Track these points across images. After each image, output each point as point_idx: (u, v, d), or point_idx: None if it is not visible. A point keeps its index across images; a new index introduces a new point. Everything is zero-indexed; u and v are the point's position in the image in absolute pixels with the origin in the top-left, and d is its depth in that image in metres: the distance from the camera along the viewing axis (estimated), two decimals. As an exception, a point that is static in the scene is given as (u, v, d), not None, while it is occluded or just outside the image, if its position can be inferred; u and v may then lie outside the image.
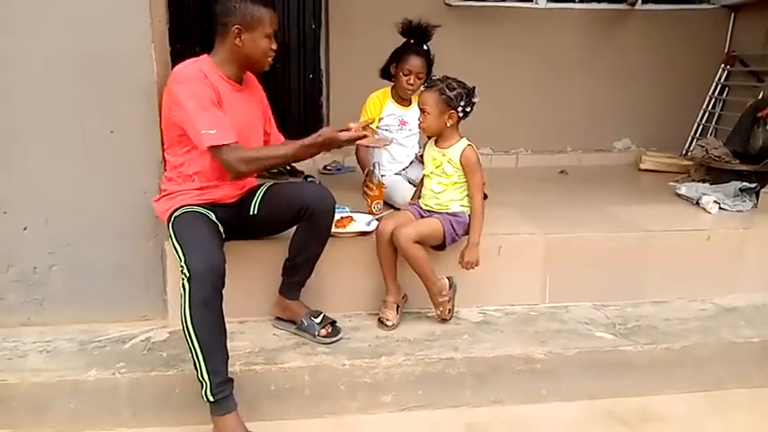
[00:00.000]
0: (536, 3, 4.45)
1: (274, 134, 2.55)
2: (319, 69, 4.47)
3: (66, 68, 2.28)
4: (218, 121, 2.07)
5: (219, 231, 2.16)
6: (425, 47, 3.02)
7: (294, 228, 2.32)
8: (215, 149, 2.08)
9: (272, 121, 2.54)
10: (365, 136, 2.20)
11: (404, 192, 2.97)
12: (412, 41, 3.02)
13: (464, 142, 2.47)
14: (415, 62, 2.99)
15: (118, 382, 2.13)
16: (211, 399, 1.94)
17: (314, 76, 4.48)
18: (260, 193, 2.31)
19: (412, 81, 3.02)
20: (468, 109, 2.42)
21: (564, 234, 2.75)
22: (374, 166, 2.87)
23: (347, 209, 2.71)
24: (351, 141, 2.17)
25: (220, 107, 2.12)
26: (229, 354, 2.01)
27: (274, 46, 2.21)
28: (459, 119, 2.44)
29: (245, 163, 2.11)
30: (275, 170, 3.65)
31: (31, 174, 2.35)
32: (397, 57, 3.05)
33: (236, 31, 2.12)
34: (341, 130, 2.15)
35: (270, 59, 2.23)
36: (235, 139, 2.10)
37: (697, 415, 2.30)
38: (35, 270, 2.42)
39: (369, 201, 2.80)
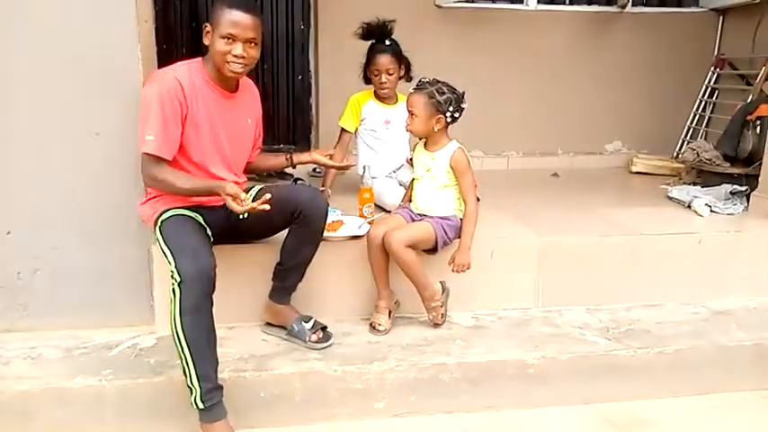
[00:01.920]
0: (526, 5, 4.43)
1: (258, 147, 2.51)
2: (308, 70, 4.44)
3: (50, 69, 2.23)
4: (161, 130, 2.02)
5: (208, 235, 2.13)
6: (388, 42, 3.02)
7: (285, 231, 2.29)
8: (144, 155, 2.05)
9: (261, 132, 2.49)
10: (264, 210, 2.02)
11: (394, 194, 2.94)
12: (375, 42, 3.03)
13: (454, 145, 2.45)
14: (379, 60, 3.00)
15: (104, 389, 2.08)
16: (201, 406, 1.91)
17: (302, 77, 4.44)
18: (250, 197, 2.27)
19: (383, 79, 3.02)
20: (456, 115, 2.40)
21: (556, 237, 2.74)
22: (364, 170, 2.84)
23: (338, 212, 2.68)
24: (232, 208, 2.00)
25: (184, 117, 2.07)
26: (219, 360, 1.97)
27: (236, 51, 2.05)
28: (448, 124, 2.42)
29: (151, 179, 2.08)
30: (264, 173, 3.62)
31: (15, 177, 2.30)
32: (366, 60, 3.06)
33: (206, 29, 2.10)
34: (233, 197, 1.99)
35: (230, 65, 2.08)
36: (168, 156, 2.06)
37: (690, 419, 2.29)
38: (19, 275, 2.37)
39: (359, 204, 2.78)
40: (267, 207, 1.97)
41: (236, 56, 2.07)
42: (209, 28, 2.09)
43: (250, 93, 2.36)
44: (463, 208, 2.49)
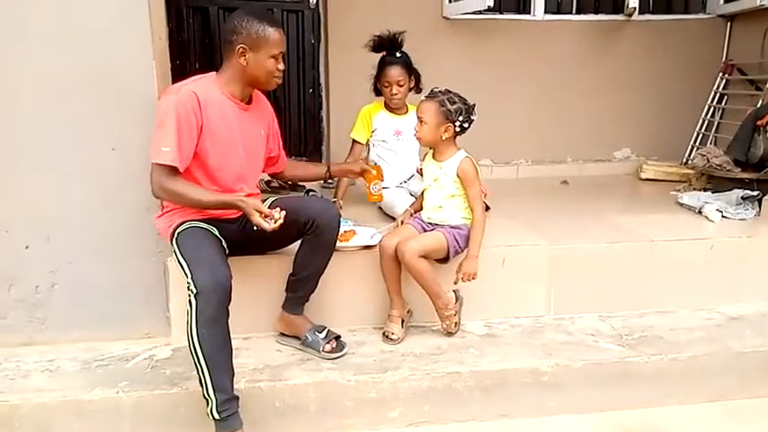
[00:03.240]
0: (533, 15, 4.46)
1: (281, 157, 2.58)
2: (319, 84, 4.48)
3: (66, 86, 2.28)
4: (177, 141, 2.04)
5: (224, 247, 2.15)
6: (399, 54, 3.05)
7: (298, 242, 2.31)
8: (157, 165, 2.06)
9: (279, 142, 2.54)
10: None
11: (405, 205, 2.95)
12: (385, 54, 3.07)
13: (461, 154, 2.46)
14: (390, 72, 3.03)
15: (121, 401, 2.10)
16: (217, 417, 1.92)
17: (313, 91, 4.48)
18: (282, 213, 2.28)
19: (394, 91, 3.05)
20: (465, 125, 2.41)
21: (568, 245, 2.74)
22: (368, 152, 2.78)
23: (350, 222, 2.70)
24: (259, 225, 2.04)
25: (199, 129, 2.10)
26: (234, 370, 1.99)
27: (281, 66, 2.20)
28: (456, 134, 2.44)
29: (163, 190, 2.08)
30: (276, 184, 3.66)
31: (33, 192, 2.34)
32: (377, 72, 3.09)
33: (241, 50, 2.12)
34: (264, 214, 2.05)
35: (276, 80, 2.23)
36: (182, 167, 2.08)
37: (705, 426, 2.28)
38: (37, 289, 2.41)
39: (366, 182, 2.73)
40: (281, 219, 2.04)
41: (281, 71, 2.21)
42: (244, 48, 2.12)
43: (263, 104, 2.40)
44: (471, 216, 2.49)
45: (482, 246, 2.46)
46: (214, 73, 2.21)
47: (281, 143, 2.57)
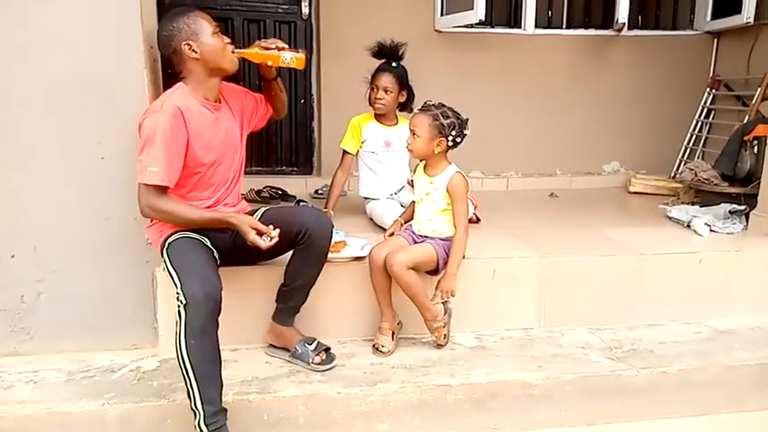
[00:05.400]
0: (524, 29, 4.50)
1: (264, 99, 2.52)
2: (311, 95, 4.48)
3: (56, 94, 2.26)
4: (165, 161, 2.01)
5: (215, 257, 2.13)
6: (395, 64, 3.08)
7: (290, 252, 2.29)
8: (144, 186, 2.03)
9: (254, 94, 2.49)
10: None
11: (396, 216, 2.95)
12: (384, 61, 3.09)
13: (452, 169, 2.46)
14: (381, 77, 3.05)
15: (107, 413, 2.07)
16: (205, 429, 1.90)
17: (305, 101, 4.48)
18: (256, 218, 2.27)
19: (379, 96, 3.06)
20: (458, 140, 2.41)
21: (558, 257, 2.75)
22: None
23: (341, 233, 2.69)
24: (255, 243, 2.06)
25: (187, 142, 2.08)
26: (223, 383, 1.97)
27: (227, 39, 2.18)
28: (448, 148, 2.44)
29: (152, 209, 2.05)
30: (266, 194, 3.65)
31: (21, 200, 2.31)
32: (371, 77, 3.11)
33: (186, 46, 2.11)
34: (259, 232, 2.07)
35: (233, 56, 2.19)
36: (169, 184, 2.05)
37: (695, 439, 2.28)
38: (22, 298, 2.37)
39: (275, 63, 2.38)
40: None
41: (230, 43, 2.19)
42: (188, 43, 2.10)
43: (228, 93, 2.35)
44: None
45: (473, 257, 2.46)
46: (182, 83, 2.19)
47: (255, 95, 2.49)
